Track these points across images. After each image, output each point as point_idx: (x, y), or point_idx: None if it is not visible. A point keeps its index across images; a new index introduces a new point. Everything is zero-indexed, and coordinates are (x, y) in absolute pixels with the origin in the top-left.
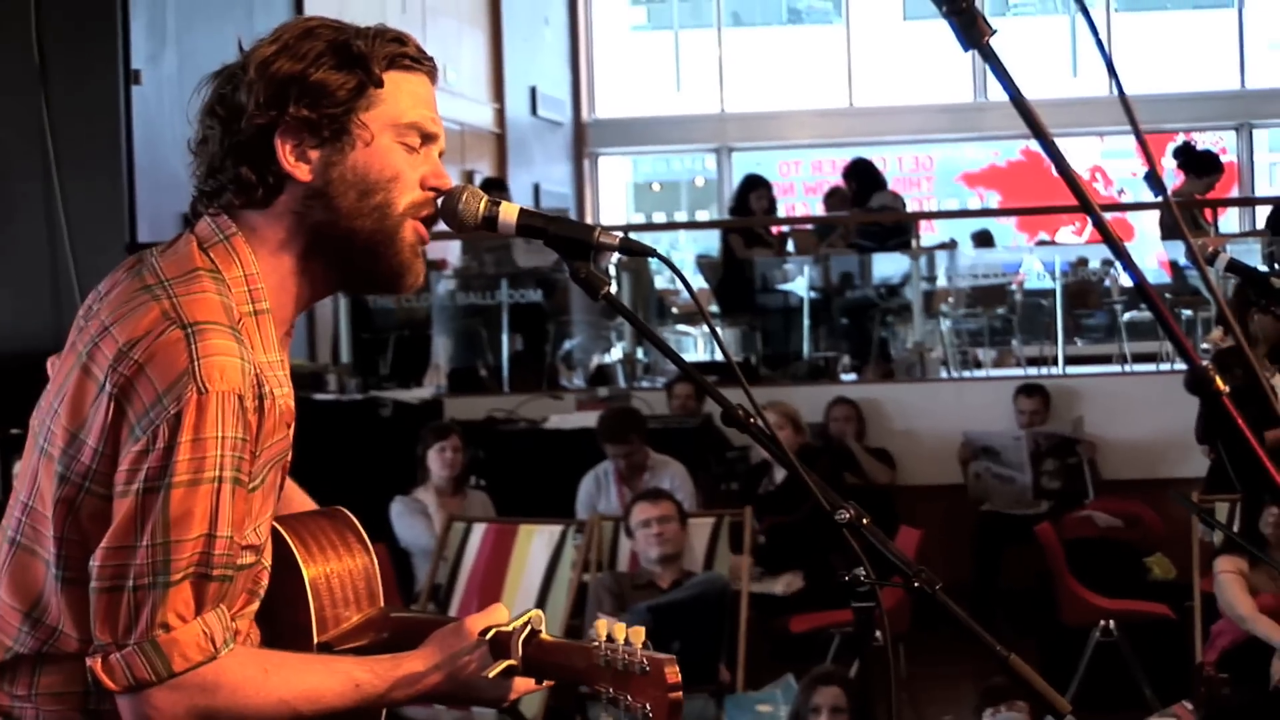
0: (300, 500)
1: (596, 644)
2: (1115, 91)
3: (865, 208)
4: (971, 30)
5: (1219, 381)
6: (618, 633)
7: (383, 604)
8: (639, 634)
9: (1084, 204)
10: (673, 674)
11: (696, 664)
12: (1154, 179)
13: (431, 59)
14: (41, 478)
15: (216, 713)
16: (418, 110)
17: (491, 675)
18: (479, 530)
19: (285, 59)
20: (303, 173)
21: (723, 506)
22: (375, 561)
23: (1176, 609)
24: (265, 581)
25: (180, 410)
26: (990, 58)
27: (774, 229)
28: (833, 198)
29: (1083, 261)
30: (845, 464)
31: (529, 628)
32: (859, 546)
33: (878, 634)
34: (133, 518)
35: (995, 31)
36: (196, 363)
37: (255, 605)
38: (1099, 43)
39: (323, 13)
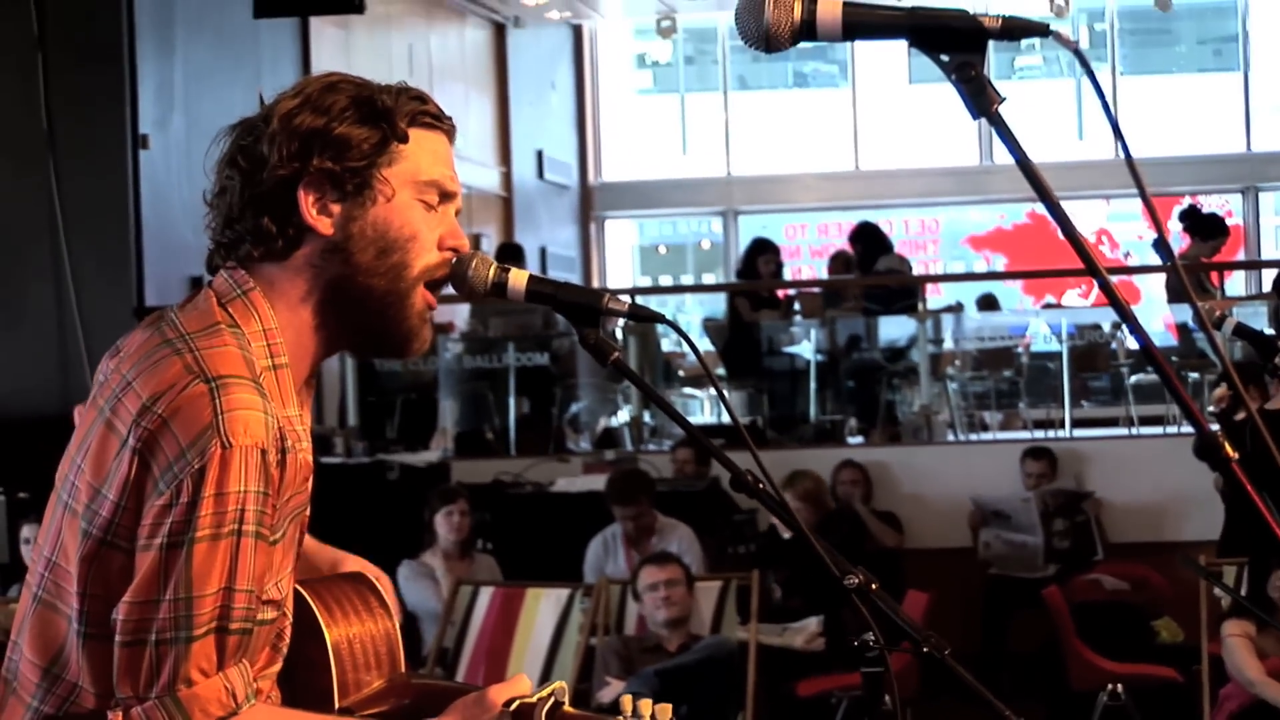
0: (318, 556)
1: (620, 717)
2: (1121, 154)
3: (872, 271)
4: (980, 98)
5: (1228, 448)
6: (644, 709)
7: (404, 669)
8: (666, 711)
9: (1090, 267)
10: None
11: None
12: (1162, 245)
13: (450, 119)
14: (65, 532)
15: None
16: (438, 168)
17: None
18: (486, 594)
19: (309, 112)
20: (324, 226)
21: (730, 569)
22: (397, 626)
23: (1184, 672)
24: (288, 637)
25: (204, 465)
26: (999, 125)
27: (780, 292)
28: (836, 261)
29: (1092, 325)
30: (853, 528)
31: (553, 699)
32: (868, 612)
33: (886, 698)
34: (156, 572)
35: (1004, 99)
36: (221, 417)
37: (279, 665)
38: (1105, 106)
39: None
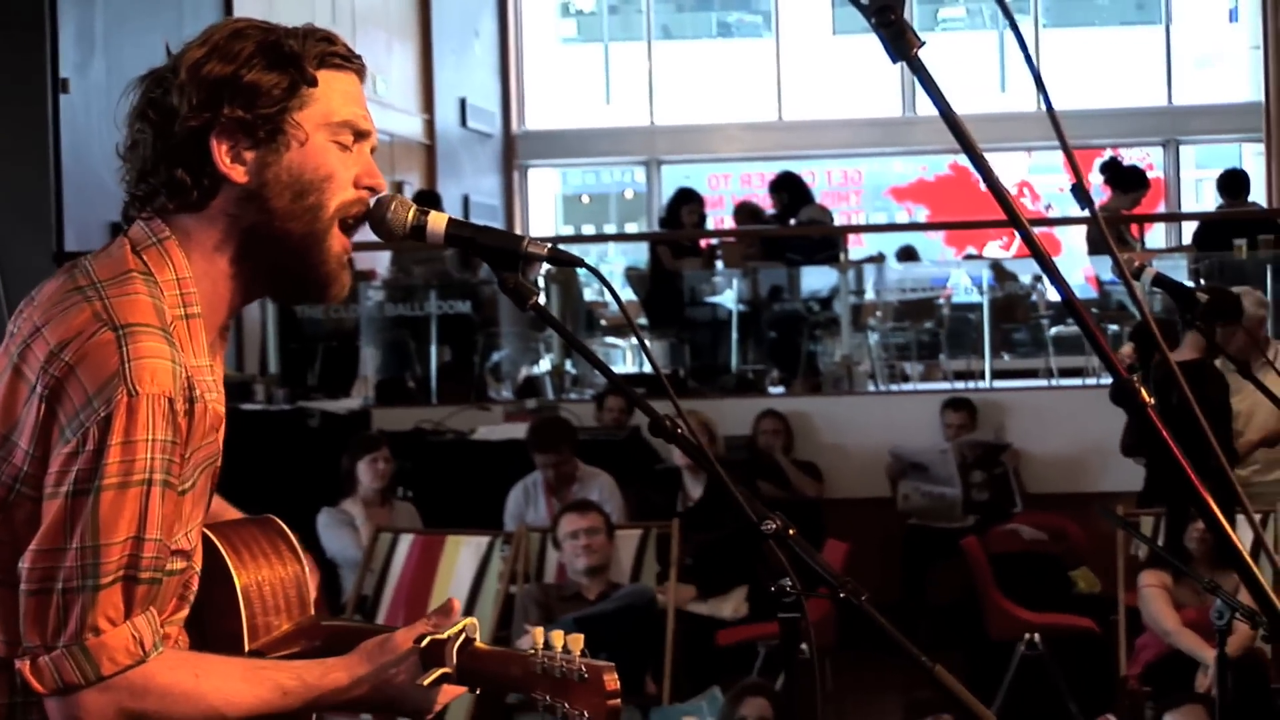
0: (225, 513)
1: (533, 651)
2: (1043, 107)
3: (794, 221)
4: (900, 42)
5: (1144, 394)
6: (555, 640)
7: (314, 612)
8: (577, 641)
9: (1012, 218)
10: (611, 681)
11: (623, 676)
12: (1080, 192)
13: (360, 57)
14: None
15: (145, 715)
16: (350, 108)
17: (425, 684)
18: (406, 541)
19: (216, 61)
20: (238, 174)
21: (650, 519)
22: (306, 570)
23: (1101, 623)
24: (195, 586)
25: (110, 413)
26: (919, 70)
27: (703, 242)
28: (741, 212)
29: (1010, 276)
30: (772, 477)
31: (464, 635)
32: (785, 558)
33: (804, 646)
34: (62, 520)
35: (924, 44)
36: (127, 365)
37: (185, 611)
38: (1027, 58)
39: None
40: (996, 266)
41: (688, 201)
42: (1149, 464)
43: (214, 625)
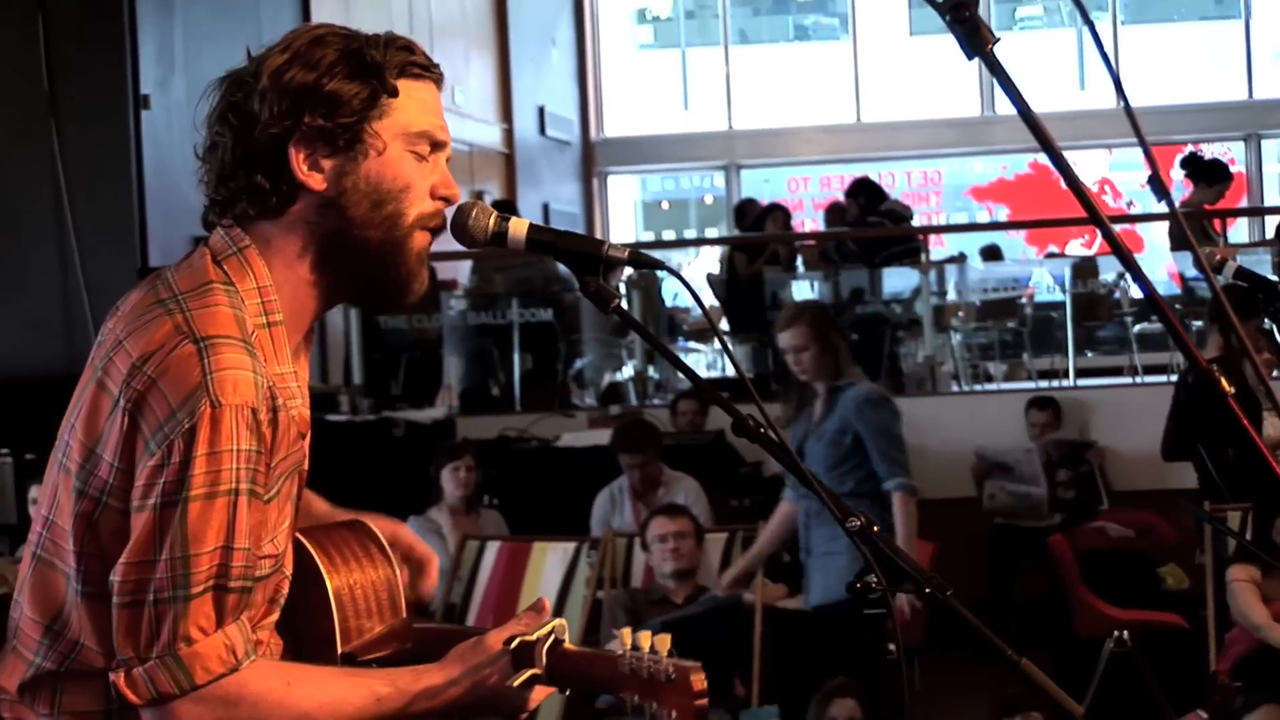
0: (324, 512)
1: (621, 652)
2: (1122, 104)
3: (868, 222)
4: (975, 38)
5: (1224, 383)
6: (643, 640)
7: (405, 614)
8: (665, 641)
9: (1093, 216)
10: (699, 681)
11: (711, 679)
12: (1158, 184)
13: (438, 66)
14: (60, 492)
15: None
16: (428, 118)
17: (515, 685)
18: (493, 549)
19: (298, 68)
20: (316, 182)
21: (735, 522)
22: (398, 573)
23: (1190, 618)
24: (286, 590)
25: (195, 424)
26: (994, 66)
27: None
28: (832, 213)
29: (1093, 273)
30: None
31: (553, 636)
32: (870, 555)
33: (891, 647)
34: (151, 532)
35: (999, 40)
36: (210, 376)
37: (276, 615)
38: (1105, 56)
39: None
40: (1077, 266)
41: (772, 212)
42: (1205, 459)
43: (306, 629)
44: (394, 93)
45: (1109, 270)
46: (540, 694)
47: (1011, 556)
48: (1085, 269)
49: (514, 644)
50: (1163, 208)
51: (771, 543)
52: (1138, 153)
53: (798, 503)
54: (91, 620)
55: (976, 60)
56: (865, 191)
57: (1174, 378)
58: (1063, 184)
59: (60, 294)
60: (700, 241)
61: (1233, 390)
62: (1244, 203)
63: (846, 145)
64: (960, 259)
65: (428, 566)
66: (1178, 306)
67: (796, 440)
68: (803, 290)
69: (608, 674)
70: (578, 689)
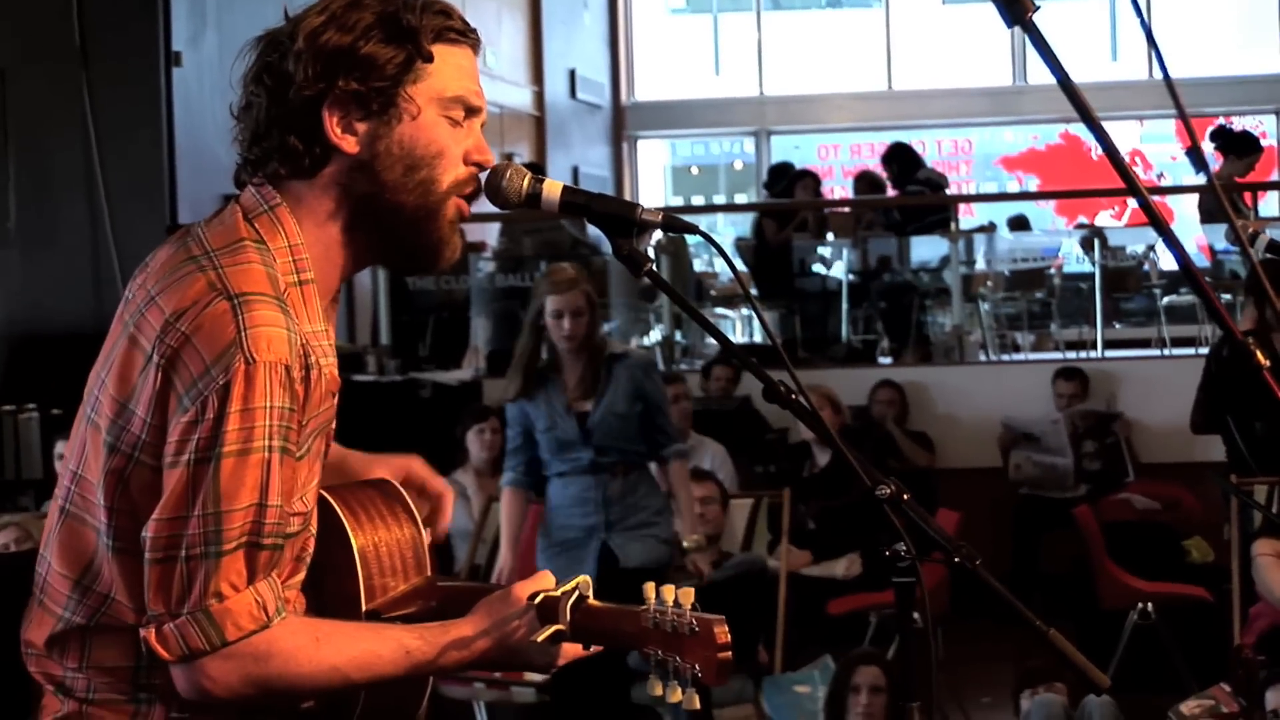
0: (358, 461)
1: (645, 607)
2: (1157, 74)
3: (911, 183)
4: (1015, 6)
5: (1260, 355)
6: (667, 594)
7: (430, 573)
8: (688, 595)
9: (1130, 185)
10: (722, 634)
11: (735, 645)
12: (1197, 155)
13: (475, 31)
14: (89, 447)
15: (270, 681)
16: (462, 84)
17: (540, 640)
18: None
19: (334, 30)
20: (349, 145)
21: (761, 488)
22: (422, 531)
23: (1214, 591)
24: (312, 548)
25: (229, 381)
26: (1034, 34)
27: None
28: (861, 181)
29: (1110, 247)
30: (885, 447)
31: (577, 592)
32: (900, 523)
33: (916, 615)
34: (184, 488)
35: (1039, 7)
36: (244, 333)
37: (302, 574)
38: (1144, 23)
39: None
40: (1087, 240)
41: (802, 179)
42: (1234, 432)
43: (331, 587)
44: (429, 58)
45: (1138, 241)
46: (569, 651)
47: (1037, 527)
48: (1103, 241)
49: (538, 599)
50: (1194, 179)
51: (516, 536)
52: (1169, 124)
53: (521, 489)
54: (122, 575)
55: (1008, 29)
56: (900, 159)
57: (1203, 350)
58: (1095, 154)
59: (89, 250)
60: (730, 208)
61: (1268, 364)
62: (1275, 176)
63: (877, 113)
64: (990, 228)
65: (442, 502)
66: (1207, 279)
67: (554, 417)
68: (831, 257)
69: (631, 629)
70: (602, 644)
